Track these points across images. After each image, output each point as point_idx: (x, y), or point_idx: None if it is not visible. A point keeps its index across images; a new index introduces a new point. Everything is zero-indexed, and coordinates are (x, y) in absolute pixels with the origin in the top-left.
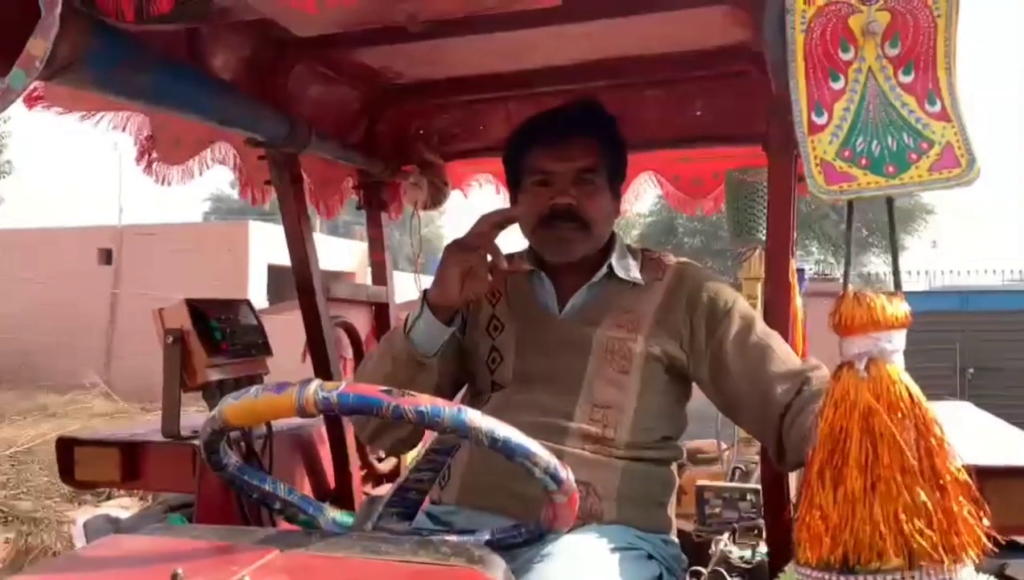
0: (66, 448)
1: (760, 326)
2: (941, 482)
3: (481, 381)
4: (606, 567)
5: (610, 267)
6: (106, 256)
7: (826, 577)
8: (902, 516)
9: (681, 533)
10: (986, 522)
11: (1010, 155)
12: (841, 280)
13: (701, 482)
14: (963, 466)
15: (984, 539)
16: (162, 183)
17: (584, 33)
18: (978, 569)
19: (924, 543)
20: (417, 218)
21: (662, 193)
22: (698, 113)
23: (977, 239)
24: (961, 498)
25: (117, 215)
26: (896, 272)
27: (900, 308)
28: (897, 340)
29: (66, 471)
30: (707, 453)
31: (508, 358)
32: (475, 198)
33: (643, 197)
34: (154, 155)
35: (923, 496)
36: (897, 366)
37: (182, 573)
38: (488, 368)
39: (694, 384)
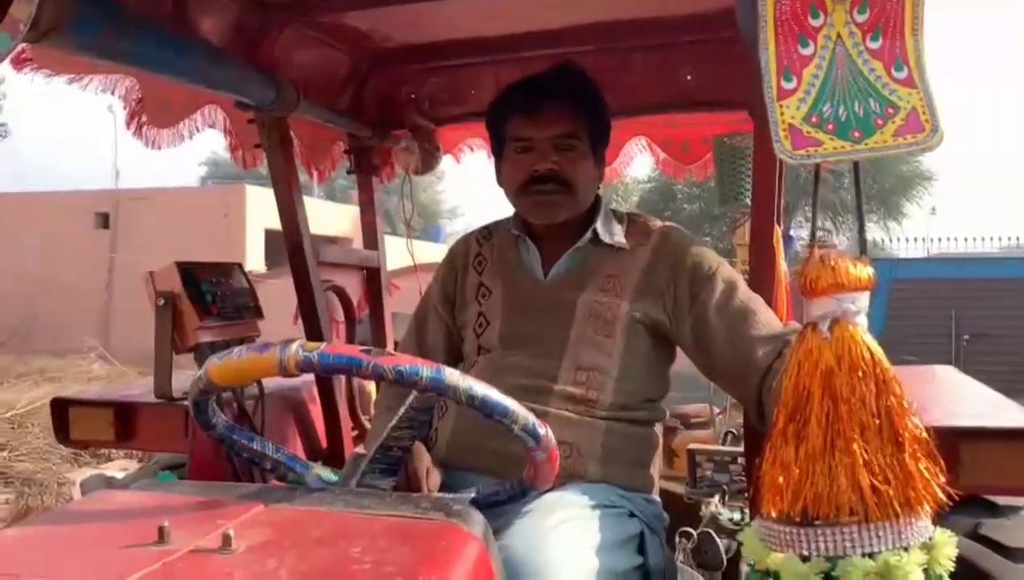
0: (61, 409)
1: (743, 290)
2: (899, 440)
3: (468, 346)
4: (586, 522)
5: (595, 232)
6: (103, 220)
7: (786, 530)
8: (859, 472)
9: (672, 495)
10: (942, 478)
11: (1012, 122)
12: (838, 245)
13: (693, 446)
14: (939, 427)
15: (940, 495)
16: (152, 146)
17: None
18: (952, 528)
19: (879, 498)
20: (409, 183)
21: (654, 160)
22: (688, 78)
23: (977, 205)
24: (919, 455)
25: (114, 179)
26: (862, 237)
27: (864, 271)
28: (860, 302)
29: (61, 431)
30: (700, 417)
31: (494, 323)
32: (470, 164)
33: (639, 163)
34: (143, 118)
35: (880, 453)
36: (860, 327)
37: (168, 526)
38: (475, 333)
39: (678, 347)
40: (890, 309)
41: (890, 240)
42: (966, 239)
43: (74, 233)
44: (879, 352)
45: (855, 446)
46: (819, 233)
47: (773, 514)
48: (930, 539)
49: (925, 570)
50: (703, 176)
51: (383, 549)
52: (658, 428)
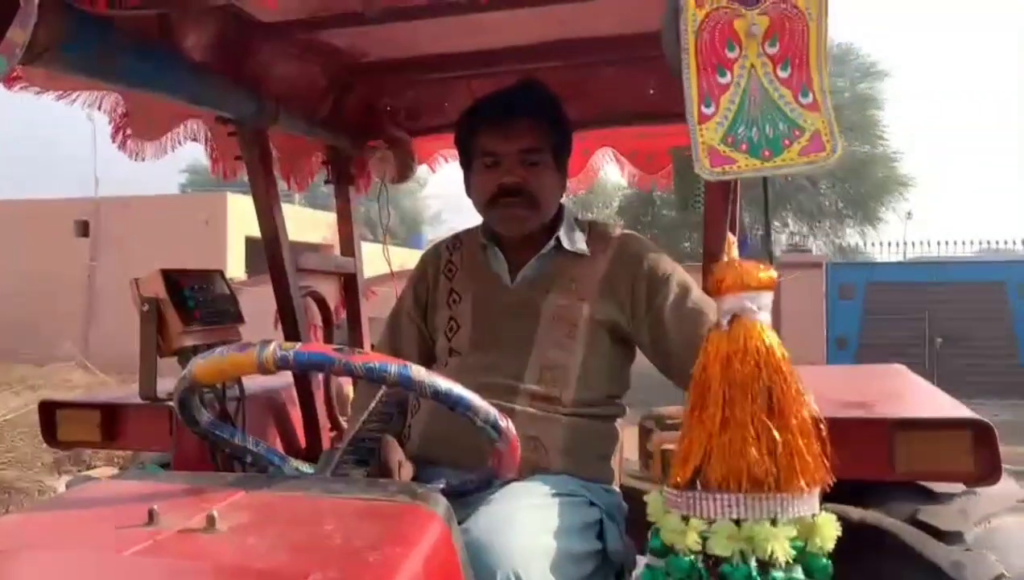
0: (49, 411)
1: (696, 293)
2: (789, 424)
3: (440, 348)
4: (548, 509)
5: (558, 240)
6: (83, 228)
7: (683, 495)
8: (746, 448)
9: (645, 494)
10: (827, 462)
11: (988, 128)
12: (812, 249)
13: (666, 446)
14: (875, 418)
15: (826, 476)
16: (136, 158)
17: (539, 15)
18: (891, 514)
19: (759, 473)
20: (386, 192)
21: (620, 171)
22: (650, 92)
23: (953, 210)
24: (806, 437)
25: (93, 186)
26: (768, 243)
27: (766, 274)
28: (761, 300)
29: (49, 433)
30: (675, 419)
31: (464, 326)
32: (454, 171)
33: (611, 172)
34: (128, 132)
35: (768, 433)
36: (760, 322)
37: (157, 509)
38: (446, 336)
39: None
40: (865, 312)
41: (866, 245)
42: (939, 243)
43: (53, 241)
44: (775, 344)
45: (745, 427)
46: (797, 238)
47: (676, 482)
48: (813, 517)
49: (804, 545)
50: (665, 185)
51: (353, 527)
52: (619, 423)
